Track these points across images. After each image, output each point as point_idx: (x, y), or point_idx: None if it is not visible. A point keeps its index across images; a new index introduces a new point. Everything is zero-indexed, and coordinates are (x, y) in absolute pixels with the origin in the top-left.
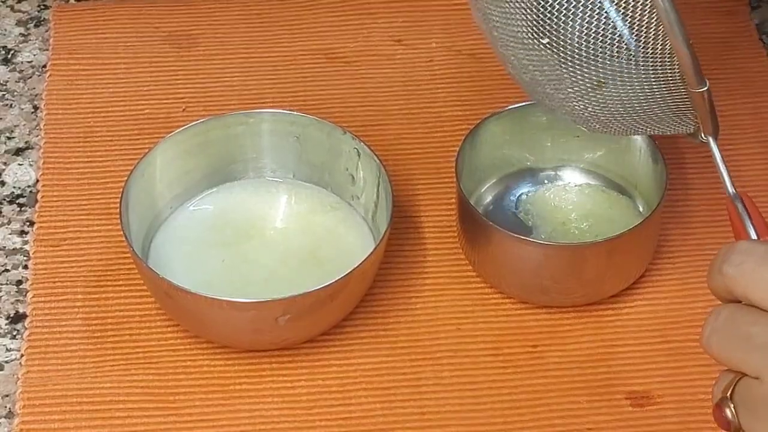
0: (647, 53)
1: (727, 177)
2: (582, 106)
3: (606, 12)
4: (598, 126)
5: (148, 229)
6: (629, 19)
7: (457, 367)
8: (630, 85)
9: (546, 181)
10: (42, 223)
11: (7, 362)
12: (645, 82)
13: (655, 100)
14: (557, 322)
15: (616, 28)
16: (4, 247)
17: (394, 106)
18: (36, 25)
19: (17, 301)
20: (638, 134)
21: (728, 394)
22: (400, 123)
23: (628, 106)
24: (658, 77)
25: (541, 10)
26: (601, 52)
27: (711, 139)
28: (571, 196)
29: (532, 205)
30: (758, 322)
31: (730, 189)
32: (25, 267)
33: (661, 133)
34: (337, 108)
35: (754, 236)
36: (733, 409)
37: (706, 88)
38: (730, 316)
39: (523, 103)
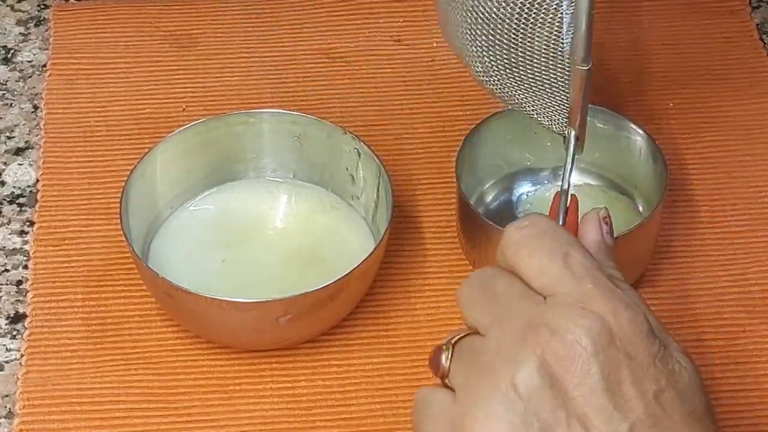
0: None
1: (569, 174)
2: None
3: None
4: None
5: (149, 229)
6: None
7: None
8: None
9: (546, 181)
10: (42, 223)
11: (7, 362)
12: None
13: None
14: None
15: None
16: (4, 247)
17: (395, 105)
18: (36, 25)
19: (17, 301)
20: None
21: (452, 342)
22: (401, 123)
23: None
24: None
25: None
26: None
27: (573, 133)
28: None
29: (532, 205)
30: (511, 286)
31: (565, 185)
32: (25, 267)
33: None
34: (338, 108)
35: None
36: (449, 355)
37: (588, 68)
38: (489, 274)
39: None
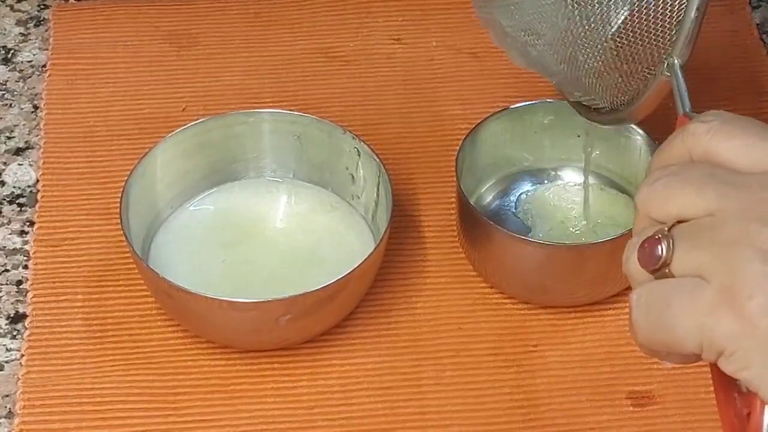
0: None
1: (686, 99)
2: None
3: None
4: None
5: (149, 229)
6: None
7: (459, 367)
8: None
9: (546, 181)
10: (42, 223)
11: (7, 362)
12: None
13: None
14: (558, 321)
15: None
16: (4, 247)
17: (394, 105)
18: (36, 25)
19: (17, 301)
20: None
21: (666, 231)
22: (400, 122)
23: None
24: None
25: None
26: None
27: (677, 62)
28: (570, 195)
29: (532, 204)
30: (717, 167)
31: (686, 108)
32: (25, 267)
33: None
34: (338, 107)
35: None
36: (670, 243)
37: None
38: (683, 167)
39: (524, 103)
